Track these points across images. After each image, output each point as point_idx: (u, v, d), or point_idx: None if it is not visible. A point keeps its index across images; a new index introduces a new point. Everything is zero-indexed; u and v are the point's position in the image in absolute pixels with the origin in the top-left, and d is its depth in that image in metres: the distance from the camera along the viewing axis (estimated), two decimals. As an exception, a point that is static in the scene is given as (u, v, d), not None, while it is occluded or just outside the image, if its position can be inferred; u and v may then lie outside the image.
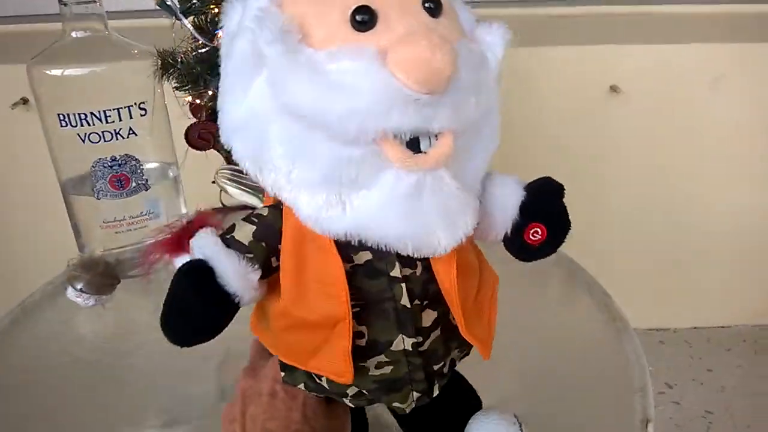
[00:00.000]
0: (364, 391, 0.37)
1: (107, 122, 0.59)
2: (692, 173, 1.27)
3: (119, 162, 0.61)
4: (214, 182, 0.67)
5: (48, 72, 0.59)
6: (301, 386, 0.39)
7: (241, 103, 0.32)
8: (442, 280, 0.35)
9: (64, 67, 0.59)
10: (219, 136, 0.64)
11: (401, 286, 0.35)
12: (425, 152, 0.30)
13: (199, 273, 0.34)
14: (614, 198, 1.29)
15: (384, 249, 0.32)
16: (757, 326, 1.44)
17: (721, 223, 1.32)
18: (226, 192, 0.66)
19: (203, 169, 0.69)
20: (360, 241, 0.32)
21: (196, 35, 0.61)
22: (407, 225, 0.31)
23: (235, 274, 0.34)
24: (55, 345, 0.58)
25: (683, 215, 1.31)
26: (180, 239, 0.60)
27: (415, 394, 0.37)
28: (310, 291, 0.35)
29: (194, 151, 0.67)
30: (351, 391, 0.37)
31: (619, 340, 0.55)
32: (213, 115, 0.66)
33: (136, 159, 0.62)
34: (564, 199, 0.37)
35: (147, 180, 0.63)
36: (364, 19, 0.29)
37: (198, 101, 0.65)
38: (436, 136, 0.30)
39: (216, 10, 0.61)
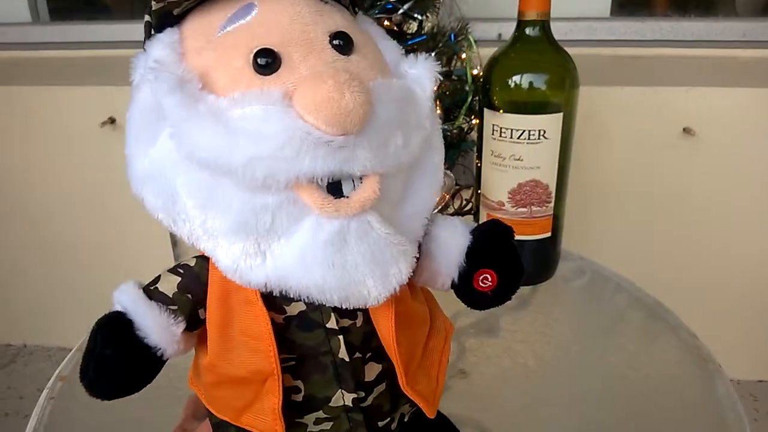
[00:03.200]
0: None
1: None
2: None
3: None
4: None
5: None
6: None
7: (147, 154, 0.30)
8: (381, 332, 0.33)
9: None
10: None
11: (338, 339, 0.33)
12: (347, 197, 0.28)
13: (115, 325, 0.33)
14: (684, 241, 1.26)
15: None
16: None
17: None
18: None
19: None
20: (282, 293, 0.30)
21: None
22: (330, 275, 0.29)
23: (157, 327, 0.32)
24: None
25: (761, 260, 1.27)
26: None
27: None
28: (236, 345, 0.33)
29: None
30: None
31: (712, 385, 0.54)
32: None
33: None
34: (513, 241, 0.35)
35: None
36: (266, 62, 0.28)
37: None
38: (360, 179, 0.29)
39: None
